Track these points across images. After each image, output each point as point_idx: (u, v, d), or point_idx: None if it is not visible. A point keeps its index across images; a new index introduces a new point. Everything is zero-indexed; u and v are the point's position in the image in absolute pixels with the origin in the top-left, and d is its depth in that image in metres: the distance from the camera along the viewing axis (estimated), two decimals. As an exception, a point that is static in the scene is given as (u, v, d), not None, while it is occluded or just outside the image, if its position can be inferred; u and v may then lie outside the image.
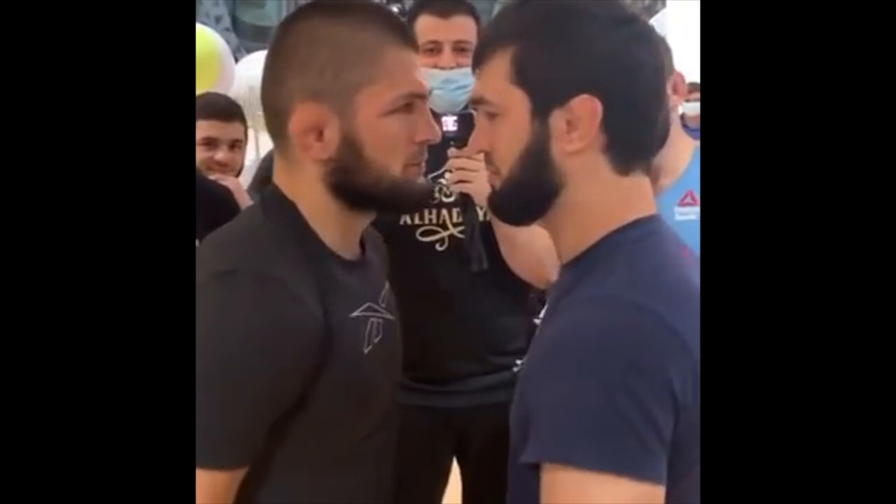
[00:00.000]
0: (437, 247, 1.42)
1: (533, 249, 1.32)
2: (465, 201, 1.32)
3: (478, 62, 0.78)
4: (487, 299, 1.43)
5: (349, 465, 0.85)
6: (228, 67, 2.77)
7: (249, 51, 3.89)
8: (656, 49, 0.75)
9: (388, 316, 0.91)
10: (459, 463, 1.53)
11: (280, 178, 0.86)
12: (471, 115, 1.27)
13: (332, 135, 0.80)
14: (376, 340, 0.87)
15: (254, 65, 3.00)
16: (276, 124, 0.84)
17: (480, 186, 1.24)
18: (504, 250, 1.34)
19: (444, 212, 1.41)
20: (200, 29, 2.52)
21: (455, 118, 1.30)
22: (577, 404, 0.63)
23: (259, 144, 2.90)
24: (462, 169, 1.28)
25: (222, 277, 0.76)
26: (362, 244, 0.93)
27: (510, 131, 0.75)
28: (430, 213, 1.41)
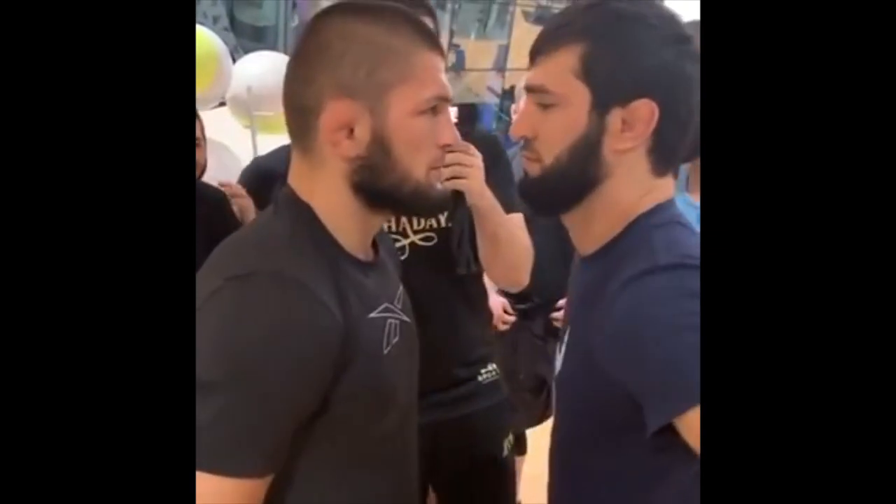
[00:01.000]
0: (398, 256, 1.37)
1: (514, 250, 1.32)
2: (457, 200, 1.26)
3: (540, 53, 0.82)
4: (450, 309, 1.40)
5: (371, 466, 0.86)
6: (225, 68, 2.75)
7: (247, 51, 3.87)
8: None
9: (405, 318, 0.93)
10: (432, 484, 1.47)
11: (296, 180, 0.87)
12: (474, 107, 1.25)
13: (363, 132, 0.81)
14: (395, 341, 0.88)
15: (251, 65, 2.98)
16: (302, 122, 0.83)
17: (475, 183, 1.24)
18: (485, 250, 1.31)
19: (404, 219, 1.37)
20: (198, 29, 2.51)
21: (454, 110, 1.23)
22: (684, 351, 0.68)
23: (256, 145, 2.88)
24: (459, 164, 1.23)
25: (240, 280, 0.76)
26: (375, 246, 0.93)
27: (565, 122, 0.79)
28: (389, 220, 1.36)
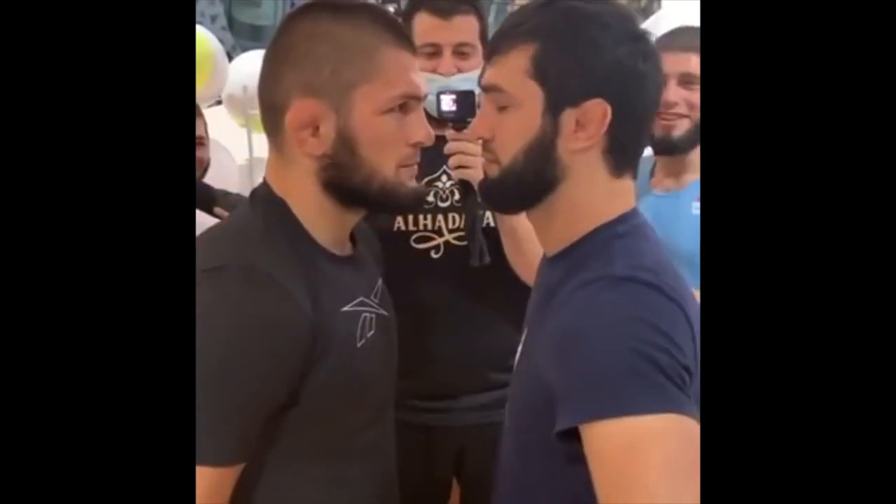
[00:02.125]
0: (432, 254, 1.34)
1: (535, 247, 1.24)
2: (466, 189, 1.22)
3: (495, 52, 0.82)
4: (486, 310, 1.35)
5: (345, 459, 0.86)
6: (221, 67, 2.75)
7: (245, 50, 3.87)
8: (659, 66, 0.82)
9: (382, 311, 0.93)
10: (458, 482, 1.45)
11: (271, 176, 0.87)
12: (471, 93, 1.19)
13: (328, 131, 0.82)
14: (369, 335, 0.87)
15: (247, 64, 2.98)
16: (272, 120, 0.84)
17: (482, 173, 1.19)
18: (507, 246, 1.26)
19: (440, 217, 1.33)
20: (194, 28, 2.51)
21: (454, 97, 1.18)
22: (615, 364, 0.68)
23: (252, 144, 2.88)
24: (462, 153, 1.18)
25: (210, 273, 0.76)
26: (353, 240, 0.93)
27: (519, 123, 0.79)
28: (425, 218, 1.33)
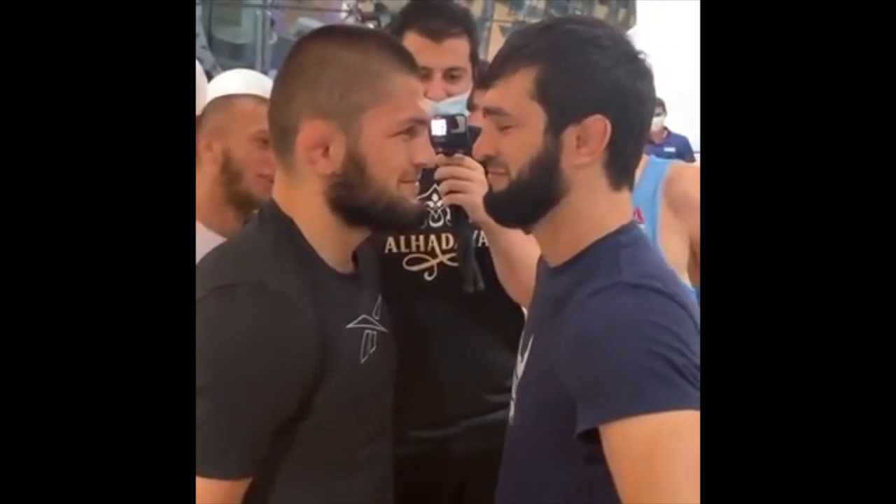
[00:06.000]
0: (426, 276, 1.30)
1: (530, 271, 1.17)
2: (458, 214, 1.18)
3: (496, 75, 0.85)
4: (482, 332, 1.32)
5: (348, 472, 0.89)
6: (200, 85, 2.74)
7: (225, 68, 3.88)
8: (652, 84, 0.86)
9: (382, 328, 0.95)
10: None
11: (279, 194, 0.90)
12: (462, 117, 1.17)
13: (338, 151, 0.85)
14: (371, 351, 0.90)
15: (227, 82, 2.96)
16: (283, 140, 0.87)
17: (477, 198, 1.10)
18: (500, 270, 1.23)
19: (433, 238, 1.30)
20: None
21: (444, 121, 1.15)
22: (634, 365, 0.71)
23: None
24: (454, 178, 1.15)
25: (221, 291, 0.79)
26: (355, 259, 0.96)
27: (523, 142, 0.83)
28: (417, 239, 1.29)
